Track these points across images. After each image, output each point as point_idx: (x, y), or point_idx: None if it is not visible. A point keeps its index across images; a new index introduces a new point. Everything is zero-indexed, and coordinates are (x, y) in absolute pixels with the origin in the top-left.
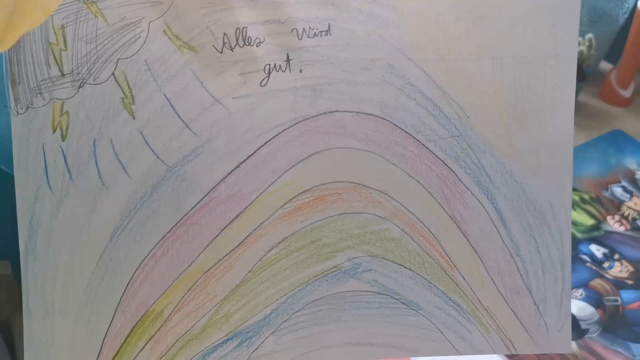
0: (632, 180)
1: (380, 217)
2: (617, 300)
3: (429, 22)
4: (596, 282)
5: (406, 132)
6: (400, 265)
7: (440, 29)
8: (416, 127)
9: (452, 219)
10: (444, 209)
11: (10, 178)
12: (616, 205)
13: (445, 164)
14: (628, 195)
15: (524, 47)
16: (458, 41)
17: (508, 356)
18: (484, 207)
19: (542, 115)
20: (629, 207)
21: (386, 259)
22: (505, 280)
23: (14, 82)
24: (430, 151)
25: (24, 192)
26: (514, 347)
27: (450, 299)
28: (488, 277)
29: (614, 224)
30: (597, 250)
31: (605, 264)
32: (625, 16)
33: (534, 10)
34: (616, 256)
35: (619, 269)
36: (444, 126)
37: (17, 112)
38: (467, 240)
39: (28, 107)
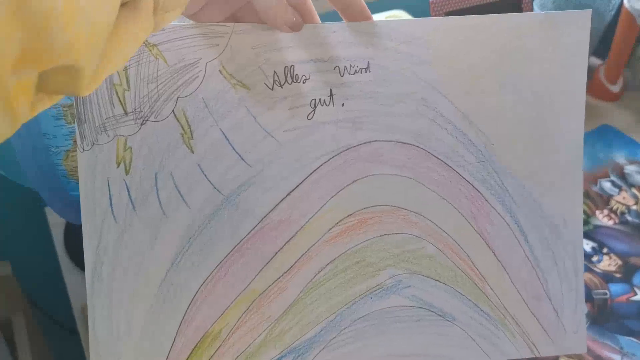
0: (621, 174)
1: (416, 236)
2: (606, 294)
3: (457, 60)
4: (585, 276)
5: (438, 158)
6: (436, 280)
7: (467, 66)
8: (447, 154)
9: (480, 235)
10: (472, 227)
11: (9, 182)
12: (605, 200)
13: (473, 186)
14: (617, 190)
15: (539, 83)
16: (482, 77)
17: None
18: (507, 224)
19: (555, 141)
20: (618, 202)
21: (423, 275)
22: (528, 289)
23: (80, 120)
24: (460, 175)
25: (91, 223)
26: (537, 349)
27: (481, 309)
28: (513, 287)
29: (602, 218)
30: (586, 245)
31: (594, 258)
32: (612, 12)
33: (548, 51)
34: (605, 250)
35: (607, 263)
36: (472, 153)
37: (83, 149)
38: (494, 254)
39: (93, 143)
